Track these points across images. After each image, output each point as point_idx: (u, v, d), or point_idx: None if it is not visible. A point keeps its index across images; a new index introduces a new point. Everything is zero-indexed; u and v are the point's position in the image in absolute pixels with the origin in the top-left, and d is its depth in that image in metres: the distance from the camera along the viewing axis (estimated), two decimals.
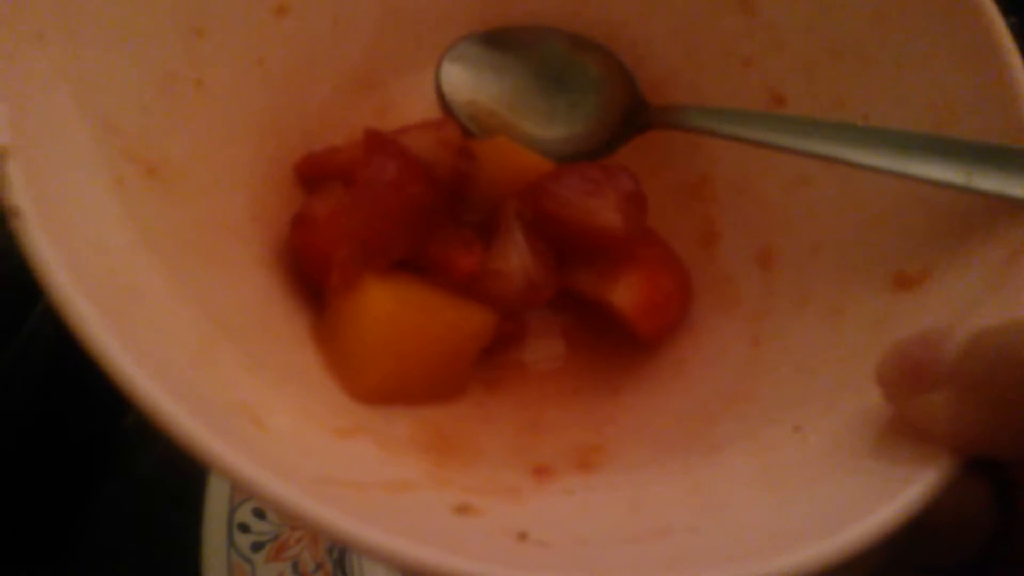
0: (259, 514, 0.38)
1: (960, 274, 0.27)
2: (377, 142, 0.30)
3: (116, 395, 0.18)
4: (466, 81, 0.36)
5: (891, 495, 0.21)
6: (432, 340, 0.28)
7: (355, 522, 0.18)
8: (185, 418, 0.18)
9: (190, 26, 0.29)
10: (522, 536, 0.21)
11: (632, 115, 0.35)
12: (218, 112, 0.29)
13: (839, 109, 0.33)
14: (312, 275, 0.30)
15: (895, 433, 0.24)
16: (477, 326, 0.29)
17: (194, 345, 0.23)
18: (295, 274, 0.30)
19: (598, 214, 0.31)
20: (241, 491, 0.20)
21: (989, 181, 0.27)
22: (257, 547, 0.38)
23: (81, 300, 0.19)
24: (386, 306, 0.28)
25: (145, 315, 0.22)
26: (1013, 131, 0.28)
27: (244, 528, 0.38)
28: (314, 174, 0.32)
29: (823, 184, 0.32)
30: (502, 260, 0.30)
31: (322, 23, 0.33)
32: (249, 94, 0.31)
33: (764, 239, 0.34)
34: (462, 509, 0.22)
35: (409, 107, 0.36)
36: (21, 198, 0.20)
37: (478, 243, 0.31)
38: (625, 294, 0.31)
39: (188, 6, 0.28)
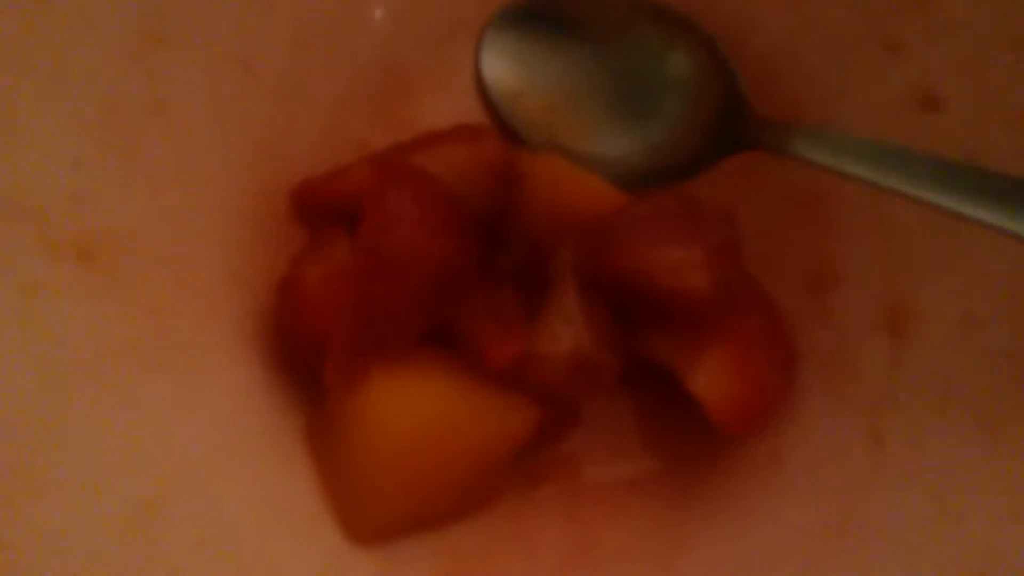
0: None
1: None
2: (393, 176, 0.23)
3: None
4: (512, 67, 0.28)
5: None
6: (456, 453, 0.22)
7: None
8: None
9: (144, 31, 0.21)
10: None
11: (729, 127, 0.27)
12: (183, 144, 0.22)
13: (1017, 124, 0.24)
14: (303, 358, 0.23)
15: None
16: (515, 427, 0.23)
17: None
18: (284, 354, 0.24)
19: (681, 274, 0.23)
20: None
21: None
22: None
23: None
24: (398, 421, 0.21)
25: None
26: None
27: None
28: (315, 208, 0.25)
29: None
30: (550, 340, 0.23)
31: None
32: (226, 111, 0.23)
33: (896, 291, 0.26)
34: None
35: (434, 107, 0.28)
36: None
37: (519, 319, 0.23)
38: (709, 381, 0.24)
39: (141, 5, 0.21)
